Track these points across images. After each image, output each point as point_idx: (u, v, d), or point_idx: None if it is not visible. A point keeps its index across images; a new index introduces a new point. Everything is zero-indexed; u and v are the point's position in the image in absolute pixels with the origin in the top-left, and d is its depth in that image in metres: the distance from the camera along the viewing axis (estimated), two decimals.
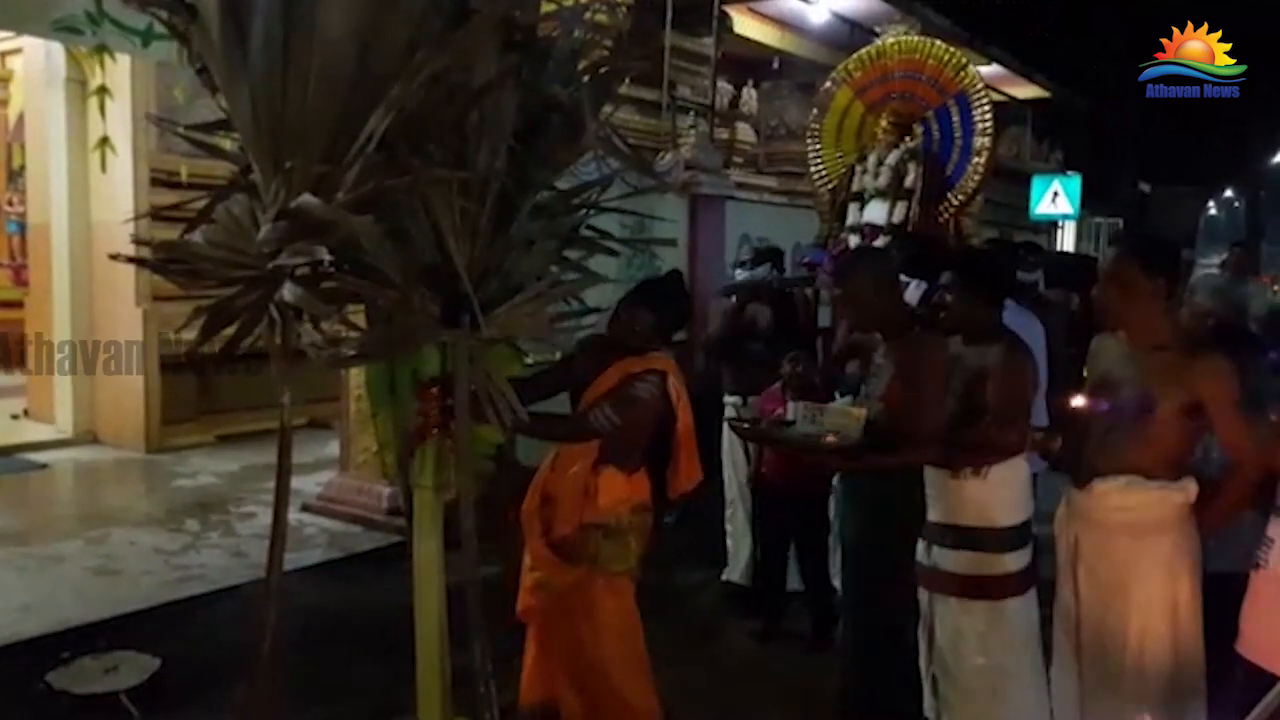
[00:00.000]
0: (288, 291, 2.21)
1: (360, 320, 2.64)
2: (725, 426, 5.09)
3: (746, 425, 4.19)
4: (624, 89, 3.50)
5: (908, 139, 6.03)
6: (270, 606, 2.42)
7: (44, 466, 7.39)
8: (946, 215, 5.93)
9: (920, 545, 3.30)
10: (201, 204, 2.41)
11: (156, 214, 6.17)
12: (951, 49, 6.11)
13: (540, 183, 2.67)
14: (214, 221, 2.34)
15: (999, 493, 3.21)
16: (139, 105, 7.48)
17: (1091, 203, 20.55)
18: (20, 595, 4.80)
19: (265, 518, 3.26)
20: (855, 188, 6.08)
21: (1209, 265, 14.31)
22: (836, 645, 3.99)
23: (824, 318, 6.34)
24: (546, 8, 2.84)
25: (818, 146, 6.49)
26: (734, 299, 5.42)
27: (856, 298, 3.37)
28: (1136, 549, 2.81)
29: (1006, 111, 6.22)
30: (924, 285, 4.52)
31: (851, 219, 6.06)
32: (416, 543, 2.72)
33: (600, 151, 2.74)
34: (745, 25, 12.23)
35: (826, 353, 4.85)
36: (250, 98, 2.22)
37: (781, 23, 13.28)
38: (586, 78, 2.74)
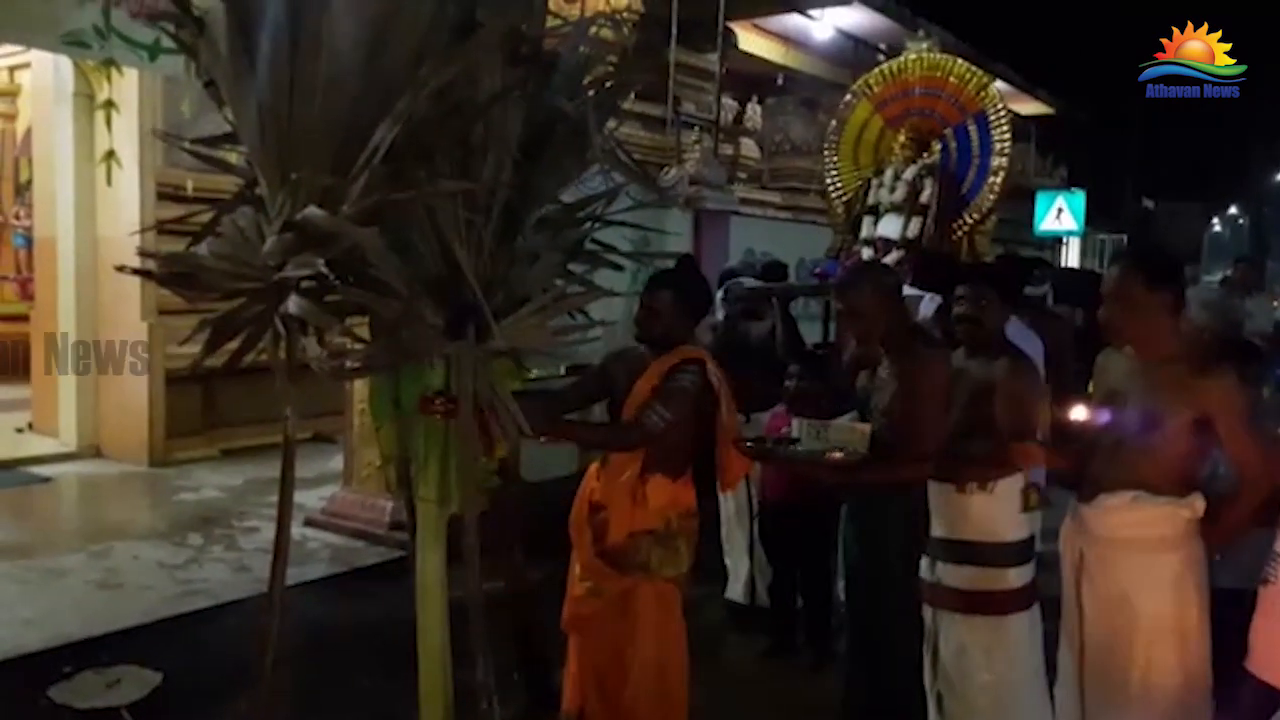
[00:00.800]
0: (292, 304, 2.21)
1: (364, 333, 2.64)
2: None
3: (750, 445, 4.17)
4: (629, 104, 3.52)
5: (925, 155, 6.05)
6: (272, 621, 2.41)
7: (47, 480, 7.39)
8: (961, 233, 5.93)
9: (924, 561, 3.29)
10: (207, 217, 2.41)
11: (162, 227, 6.19)
12: (973, 68, 6.15)
13: (545, 196, 2.67)
14: (220, 234, 2.35)
15: (1003, 507, 3.20)
16: (146, 119, 7.51)
17: (1096, 219, 20.58)
18: (22, 609, 4.79)
19: (268, 532, 3.25)
20: (870, 201, 6.10)
21: (1212, 282, 14.30)
22: (840, 662, 3.96)
23: (833, 332, 6.33)
24: (552, 23, 2.86)
25: (834, 159, 6.51)
26: (728, 313, 5.37)
27: (859, 312, 3.36)
28: (1143, 565, 2.79)
29: (1013, 126, 6.24)
30: (938, 300, 4.51)
31: (865, 232, 6.08)
32: (420, 557, 2.71)
33: (605, 165, 2.75)
34: (750, 41, 12.29)
35: (833, 367, 4.82)
36: (257, 111, 2.23)
37: (786, 39, 13.34)
38: (592, 92, 2.76)
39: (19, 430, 8.48)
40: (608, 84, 2.85)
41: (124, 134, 7.42)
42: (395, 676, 2.93)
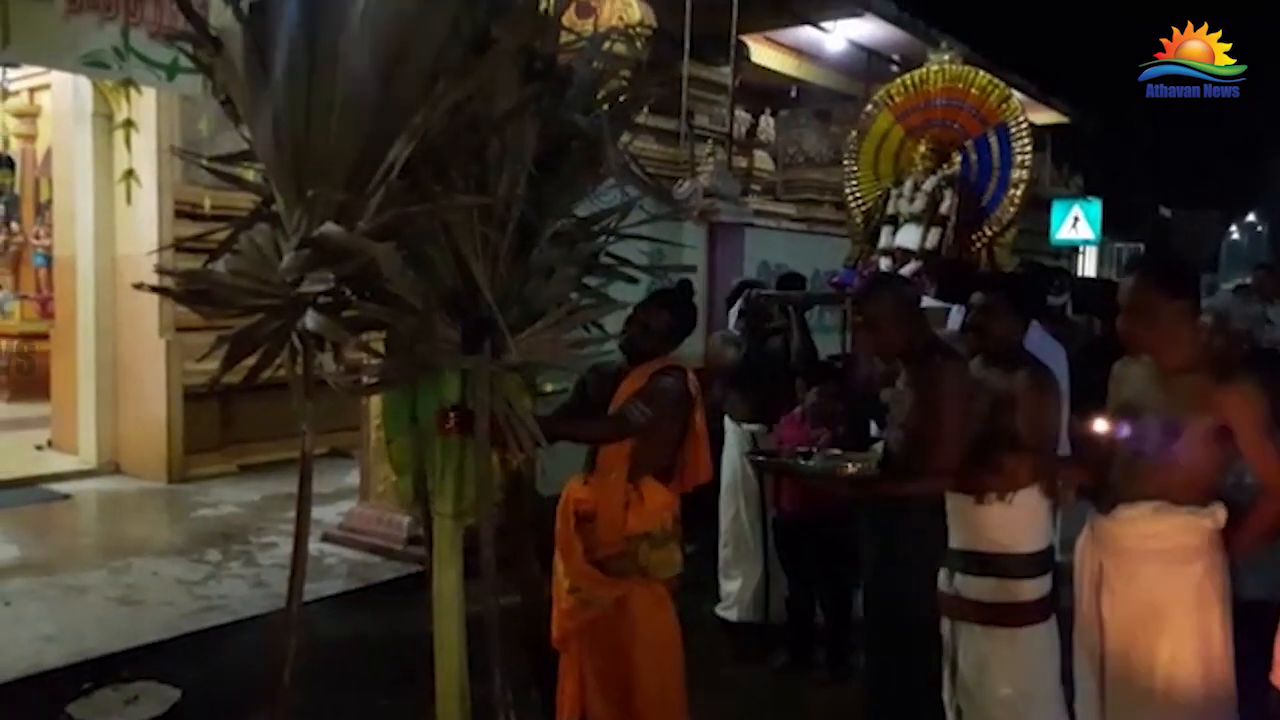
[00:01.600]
0: (309, 319, 2.22)
1: (380, 348, 2.65)
2: (725, 457, 5.03)
3: (763, 459, 4.17)
4: (643, 118, 3.53)
5: (945, 166, 6.03)
6: (290, 637, 2.41)
7: (67, 497, 7.44)
8: (980, 244, 5.92)
9: (942, 573, 3.27)
10: (225, 234, 2.43)
11: (180, 245, 6.23)
12: (995, 80, 6.13)
13: (561, 210, 2.68)
14: (237, 251, 2.36)
15: (1022, 518, 3.17)
16: (164, 138, 7.58)
17: (1112, 228, 20.48)
18: (43, 625, 4.81)
19: (286, 547, 3.26)
20: (890, 211, 6.09)
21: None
22: (859, 676, 3.94)
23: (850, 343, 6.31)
24: (566, 38, 2.87)
25: (854, 168, 6.51)
26: (744, 326, 5.34)
27: (876, 324, 3.35)
28: (1165, 576, 2.76)
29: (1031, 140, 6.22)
30: (964, 310, 4.49)
31: (884, 242, 6.06)
32: (436, 572, 2.71)
33: (619, 179, 2.75)
34: (763, 54, 12.31)
35: (850, 379, 4.79)
36: (274, 128, 2.24)
37: (799, 52, 13.36)
38: (606, 106, 2.76)
39: (39, 447, 8.54)
40: (621, 98, 2.86)
41: (142, 153, 7.50)
42: (412, 692, 2.93)
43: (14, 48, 5.57)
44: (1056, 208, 15.54)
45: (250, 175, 2.59)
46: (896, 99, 6.36)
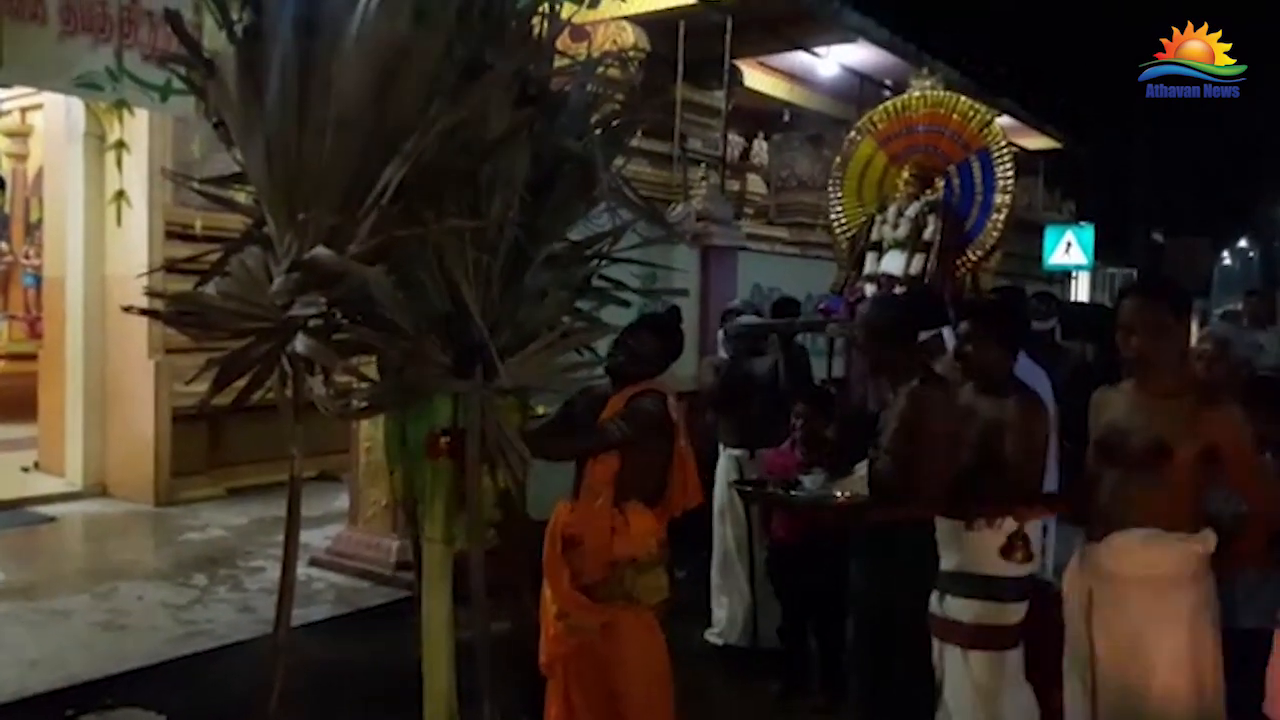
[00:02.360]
0: (299, 343, 2.21)
1: (371, 372, 2.64)
2: (717, 481, 5.02)
3: (750, 490, 4.16)
4: (636, 141, 3.53)
5: (928, 192, 6.05)
6: (277, 663, 2.39)
7: (53, 519, 7.37)
8: (964, 269, 5.93)
9: (933, 596, 3.26)
10: (216, 257, 2.42)
11: (171, 267, 6.22)
12: (976, 105, 6.17)
13: (553, 233, 2.68)
14: (228, 274, 2.35)
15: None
16: (156, 159, 7.57)
17: (1105, 253, 20.58)
18: (27, 650, 4.76)
19: (274, 572, 3.24)
20: (874, 237, 6.10)
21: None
22: (850, 702, 3.91)
23: (838, 367, 6.31)
24: (560, 62, 2.87)
25: (839, 195, 6.52)
26: (732, 351, 5.36)
27: (870, 344, 3.40)
28: (1157, 603, 2.75)
29: (1017, 162, 6.23)
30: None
31: (869, 268, 6.06)
32: (425, 598, 2.69)
33: (612, 203, 2.75)
34: (756, 79, 12.36)
35: (840, 403, 4.78)
36: (266, 151, 2.24)
37: (792, 76, 13.42)
38: (599, 130, 2.77)
39: (25, 469, 8.48)
40: (615, 122, 2.87)
41: (134, 174, 7.48)
42: (400, 718, 2.90)
43: (7, 68, 5.57)
44: (1049, 233, 15.58)
45: (242, 197, 2.58)
46: (879, 125, 6.38)
